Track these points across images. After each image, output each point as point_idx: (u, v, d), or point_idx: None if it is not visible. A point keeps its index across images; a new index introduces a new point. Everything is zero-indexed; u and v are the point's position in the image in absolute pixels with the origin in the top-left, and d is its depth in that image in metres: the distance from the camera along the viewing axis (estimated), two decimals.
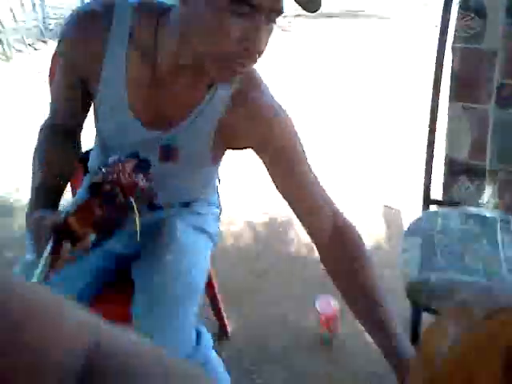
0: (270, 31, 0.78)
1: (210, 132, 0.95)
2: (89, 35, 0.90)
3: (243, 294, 1.96)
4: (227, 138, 0.97)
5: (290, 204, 0.97)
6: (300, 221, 0.97)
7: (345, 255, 0.92)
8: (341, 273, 0.92)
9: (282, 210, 2.49)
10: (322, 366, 1.60)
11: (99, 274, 1.13)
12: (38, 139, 1.05)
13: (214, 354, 1.07)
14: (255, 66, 0.88)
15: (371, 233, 2.35)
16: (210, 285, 1.61)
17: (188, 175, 1.04)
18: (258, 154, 0.97)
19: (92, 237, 0.86)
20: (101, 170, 0.84)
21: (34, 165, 1.02)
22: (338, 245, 0.93)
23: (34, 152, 1.03)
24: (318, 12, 0.77)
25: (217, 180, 1.28)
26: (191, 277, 1.04)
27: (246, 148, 0.99)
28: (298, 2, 0.75)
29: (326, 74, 5.03)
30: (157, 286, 1.01)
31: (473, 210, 1.51)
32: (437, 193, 1.68)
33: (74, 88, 0.99)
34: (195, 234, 1.14)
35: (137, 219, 0.85)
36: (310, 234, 0.97)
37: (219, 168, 1.19)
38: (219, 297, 1.67)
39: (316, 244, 0.97)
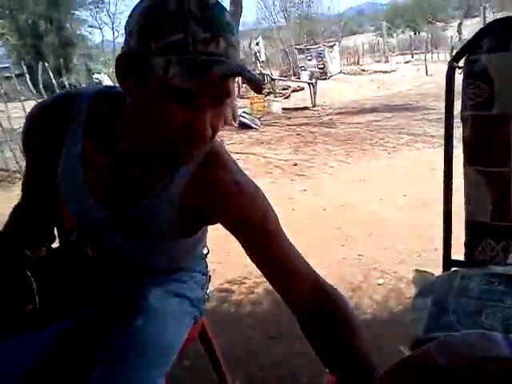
0: (219, 113, 0.80)
1: (173, 209, 0.95)
2: (46, 128, 0.95)
3: (252, 358, 1.89)
4: (192, 215, 0.96)
5: (267, 278, 0.96)
6: (278, 293, 0.95)
7: (327, 327, 0.89)
8: (325, 344, 0.89)
9: None
10: None
11: (66, 344, 1.07)
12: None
13: None
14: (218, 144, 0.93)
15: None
16: (209, 346, 1.55)
17: (158, 251, 1.03)
18: (228, 230, 0.97)
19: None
20: None
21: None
22: (319, 317, 0.90)
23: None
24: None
25: (203, 250, 1.27)
26: (159, 343, 0.99)
27: (215, 223, 0.99)
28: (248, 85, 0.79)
29: None
30: (119, 349, 0.96)
31: (498, 268, 1.44)
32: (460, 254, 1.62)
33: (38, 174, 1.03)
34: (173, 299, 1.10)
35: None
36: (290, 307, 0.94)
37: (203, 240, 1.18)
38: (221, 359, 1.60)
39: (296, 317, 0.94)
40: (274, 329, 2.09)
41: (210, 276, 1.31)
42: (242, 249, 0.97)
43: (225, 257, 2.98)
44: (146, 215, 0.96)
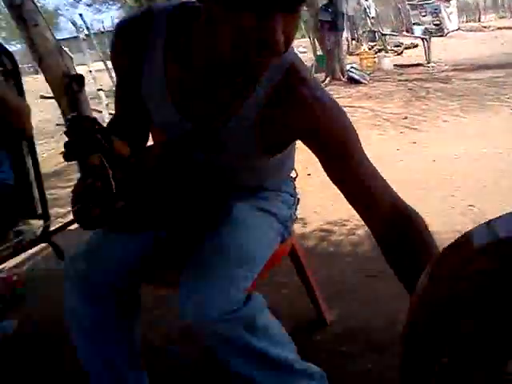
0: (292, 21, 0.76)
1: (254, 124, 0.94)
2: (129, 41, 0.95)
3: (351, 292, 1.86)
4: (273, 130, 0.95)
5: (346, 197, 0.93)
6: (358, 213, 0.93)
7: (407, 247, 0.86)
8: (402, 264, 0.87)
9: None
10: None
11: (170, 240, 1.16)
12: None
13: (264, 314, 1.02)
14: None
15: None
16: (304, 273, 1.58)
17: (241, 167, 1.06)
18: (308, 146, 0.95)
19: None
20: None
21: None
22: (398, 238, 0.87)
23: None
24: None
25: (290, 171, 1.26)
26: (242, 247, 1.02)
27: (295, 139, 0.99)
28: None
29: None
30: (205, 251, 1.02)
31: None
32: None
33: (126, 90, 1.04)
34: (257, 213, 1.12)
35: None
36: (369, 227, 0.92)
37: (290, 161, 1.18)
38: (316, 286, 1.61)
39: (376, 238, 0.91)
40: (374, 268, 2.03)
41: (298, 199, 1.30)
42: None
43: (326, 200, 2.96)
44: (227, 132, 0.96)
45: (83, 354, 1.09)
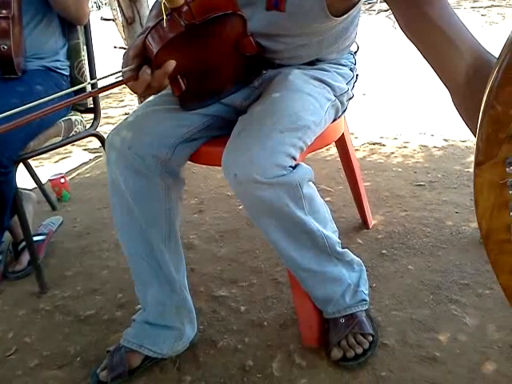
0: None
1: None
2: None
3: (396, 198, 1.82)
4: None
5: (418, 48, 0.76)
6: (432, 68, 0.75)
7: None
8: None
9: (460, 136, 2.40)
10: (472, 262, 1.37)
11: (217, 121, 1.12)
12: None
13: (310, 187, 0.98)
14: None
15: None
16: (352, 176, 1.55)
17: (298, 28, 0.99)
18: None
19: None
20: None
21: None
22: (475, 89, 0.67)
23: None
24: None
25: (351, 44, 1.18)
26: (294, 112, 0.96)
27: None
28: None
29: None
30: (256, 114, 0.98)
31: None
32: None
33: None
34: (312, 81, 1.06)
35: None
36: (444, 81, 0.74)
37: (353, 30, 1.10)
38: (361, 188, 1.57)
39: (451, 93, 0.73)
40: (423, 178, 1.97)
41: (357, 75, 1.22)
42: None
43: (379, 117, 2.88)
44: None
45: (121, 227, 1.09)
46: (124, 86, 0.87)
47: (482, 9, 7.73)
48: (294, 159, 0.94)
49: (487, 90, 0.48)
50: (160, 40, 0.82)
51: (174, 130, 1.06)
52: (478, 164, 0.50)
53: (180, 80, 0.91)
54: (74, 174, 2.60)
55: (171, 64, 0.83)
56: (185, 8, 0.81)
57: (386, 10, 8.20)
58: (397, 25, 0.80)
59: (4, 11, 1.43)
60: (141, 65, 0.84)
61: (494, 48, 0.61)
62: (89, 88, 1.66)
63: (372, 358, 1.07)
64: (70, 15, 1.55)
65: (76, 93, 0.96)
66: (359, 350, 1.06)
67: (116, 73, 0.90)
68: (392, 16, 0.82)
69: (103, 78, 0.94)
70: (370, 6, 9.01)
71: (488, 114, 0.48)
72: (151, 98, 1.13)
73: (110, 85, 0.84)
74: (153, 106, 1.10)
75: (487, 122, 0.48)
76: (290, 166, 0.92)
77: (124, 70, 0.85)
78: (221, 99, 1.09)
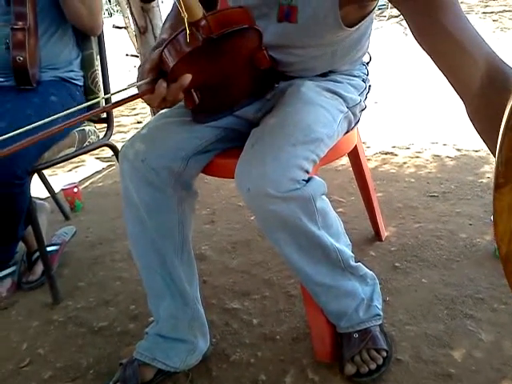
0: None
1: None
2: None
3: (409, 209, 1.81)
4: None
5: (432, 57, 0.76)
6: (445, 75, 0.75)
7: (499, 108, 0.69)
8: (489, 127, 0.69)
9: (473, 146, 2.38)
10: (486, 276, 1.35)
11: (229, 133, 1.13)
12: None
13: (324, 200, 0.98)
14: None
15: None
16: (365, 187, 1.54)
17: (310, 39, 0.99)
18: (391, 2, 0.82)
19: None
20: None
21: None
22: (489, 97, 0.69)
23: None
24: None
25: (363, 55, 1.18)
26: (307, 125, 0.96)
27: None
28: None
29: None
30: (269, 126, 0.98)
31: None
32: None
33: None
34: (324, 93, 1.06)
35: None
36: (457, 90, 0.74)
37: (365, 41, 1.10)
38: (374, 200, 1.57)
39: (464, 101, 0.74)
40: (436, 189, 1.95)
41: (369, 86, 1.22)
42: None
43: (392, 125, 2.86)
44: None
45: (133, 239, 1.09)
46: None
47: (494, 14, 7.70)
48: (307, 172, 0.94)
49: (507, 111, 0.47)
50: (177, 54, 0.83)
51: (187, 142, 1.07)
52: (497, 187, 0.49)
53: (194, 93, 0.92)
54: (86, 183, 2.61)
55: (187, 78, 0.84)
56: (203, 22, 0.82)
57: (396, 16, 8.18)
58: (408, 31, 0.80)
59: (20, 23, 1.45)
60: (156, 78, 0.85)
61: (506, 54, 0.60)
62: (103, 101, 1.68)
63: (386, 374, 1.05)
64: (84, 26, 1.57)
65: (90, 106, 0.97)
66: (373, 366, 1.05)
67: (130, 86, 0.91)
68: (403, 22, 0.82)
69: (118, 92, 0.94)
70: (380, 11, 9.00)
71: (508, 137, 0.47)
72: (164, 110, 1.14)
73: (125, 98, 0.85)
74: (166, 118, 1.11)
75: (507, 144, 0.48)
76: (304, 180, 0.92)
77: (140, 83, 0.86)
78: (233, 112, 1.10)
